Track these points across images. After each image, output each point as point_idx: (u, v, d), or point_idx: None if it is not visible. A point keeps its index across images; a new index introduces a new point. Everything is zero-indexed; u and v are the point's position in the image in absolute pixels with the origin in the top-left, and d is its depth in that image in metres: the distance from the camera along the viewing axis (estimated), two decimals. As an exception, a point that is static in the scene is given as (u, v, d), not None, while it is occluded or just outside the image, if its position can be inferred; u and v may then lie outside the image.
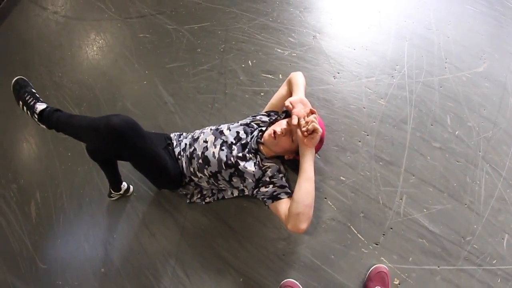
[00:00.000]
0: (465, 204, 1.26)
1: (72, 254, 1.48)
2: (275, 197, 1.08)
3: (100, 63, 2.01)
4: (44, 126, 1.14)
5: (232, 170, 1.14)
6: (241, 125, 1.25)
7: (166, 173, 1.19)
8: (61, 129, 1.12)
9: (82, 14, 2.29)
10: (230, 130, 1.22)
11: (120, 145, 1.01)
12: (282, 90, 1.30)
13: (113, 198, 1.50)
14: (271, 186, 1.10)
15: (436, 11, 1.79)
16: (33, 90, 1.18)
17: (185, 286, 1.27)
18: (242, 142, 1.18)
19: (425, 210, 1.25)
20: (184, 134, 1.40)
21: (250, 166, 1.12)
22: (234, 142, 1.18)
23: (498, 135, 1.41)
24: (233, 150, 1.15)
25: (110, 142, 0.99)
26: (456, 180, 1.31)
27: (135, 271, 1.35)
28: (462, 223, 1.23)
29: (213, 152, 1.16)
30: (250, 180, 1.14)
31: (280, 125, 1.08)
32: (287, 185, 1.13)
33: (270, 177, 1.12)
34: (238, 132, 1.21)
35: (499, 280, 1.15)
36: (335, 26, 1.74)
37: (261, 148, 1.17)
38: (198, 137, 1.26)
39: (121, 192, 1.46)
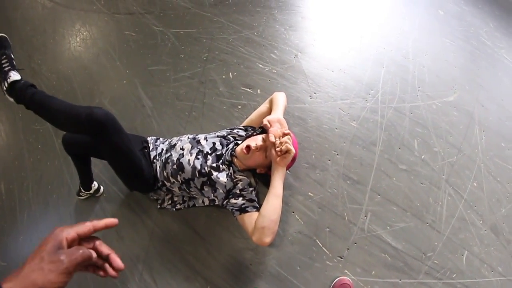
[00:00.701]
0: (427, 223, 1.51)
1: None
2: (243, 210, 1.28)
3: (81, 56, 2.17)
4: (11, 99, 1.15)
5: (205, 179, 1.32)
6: (218, 136, 1.44)
7: (141, 173, 1.35)
8: (34, 107, 1.15)
9: (71, 2, 2.45)
10: (207, 140, 1.41)
11: (99, 137, 1.15)
12: (263, 107, 1.52)
13: (82, 197, 1.63)
14: (240, 198, 1.30)
15: (415, 41, 2.12)
16: (12, 56, 1.17)
17: (152, 293, 1.42)
18: (217, 153, 1.37)
19: (388, 227, 1.49)
20: (161, 139, 1.56)
21: (222, 177, 1.31)
22: (209, 152, 1.37)
23: (462, 161, 1.69)
24: (208, 160, 1.34)
25: (90, 132, 1.13)
26: (420, 200, 1.56)
27: (101, 275, 1.48)
28: (424, 240, 1.47)
29: (189, 160, 1.35)
30: (221, 191, 1.33)
31: (256, 140, 1.29)
32: (256, 199, 1.33)
33: (241, 190, 1.32)
34: (214, 143, 1.40)
35: (458, 293, 1.39)
36: (317, 47, 2.01)
37: (235, 160, 1.37)
38: (175, 144, 1.44)
39: (91, 192, 1.59)
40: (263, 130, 1.45)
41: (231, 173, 1.34)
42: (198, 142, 1.41)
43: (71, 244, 0.47)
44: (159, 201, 1.53)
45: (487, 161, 1.73)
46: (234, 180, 1.34)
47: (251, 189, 1.34)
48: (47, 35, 2.32)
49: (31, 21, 2.41)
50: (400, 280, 1.39)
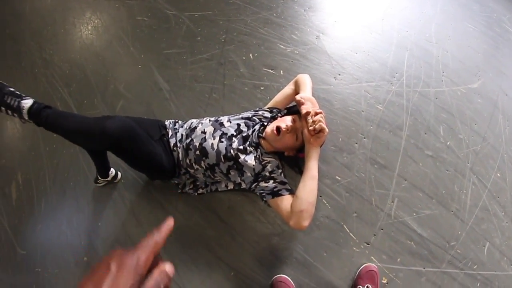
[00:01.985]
0: (452, 211, 1.50)
1: (53, 240, 1.57)
2: (275, 193, 1.22)
3: (94, 43, 2.13)
4: (33, 123, 1.17)
5: (231, 163, 1.27)
6: (242, 118, 1.39)
7: (161, 169, 1.32)
8: (50, 129, 1.15)
9: None
10: (230, 122, 1.36)
11: (116, 150, 1.17)
12: (288, 89, 1.46)
13: (99, 184, 1.59)
14: (271, 181, 1.25)
15: (438, 25, 2.09)
16: (11, 89, 1.19)
17: (173, 279, 1.38)
18: (243, 135, 1.32)
19: (414, 214, 1.47)
20: (180, 122, 1.50)
21: (250, 160, 1.26)
22: (234, 134, 1.31)
23: (486, 150, 1.68)
24: (233, 142, 1.29)
25: (106, 148, 1.15)
26: (445, 187, 1.54)
27: (120, 261, 1.46)
28: (448, 229, 1.46)
29: (212, 144, 1.29)
30: (249, 174, 1.28)
31: (285, 122, 1.23)
32: (287, 181, 1.28)
33: (270, 172, 1.27)
34: (239, 125, 1.35)
35: (478, 284, 1.38)
36: (338, 28, 1.97)
37: (262, 142, 1.33)
38: (195, 127, 1.38)
39: (108, 179, 1.56)
40: (289, 111, 1.41)
41: (259, 155, 1.29)
42: (221, 124, 1.36)
43: None
44: (180, 186, 1.49)
45: (511, 151, 1.71)
46: (263, 163, 1.29)
47: (280, 171, 1.30)
48: (57, 25, 2.28)
49: (40, 12, 2.37)
50: (424, 268, 1.38)
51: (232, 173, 1.30)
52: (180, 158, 1.38)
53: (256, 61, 1.86)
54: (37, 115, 1.13)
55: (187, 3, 2.17)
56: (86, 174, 1.68)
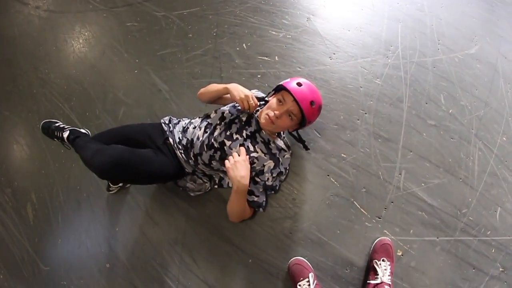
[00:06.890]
0: (460, 179, 1.54)
1: (75, 252, 1.65)
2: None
3: (87, 56, 2.18)
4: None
5: (212, 151, 1.32)
6: (227, 106, 1.44)
7: (167, 177, 1.39)
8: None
9: (65, 7, 2.44)
10: (216, 112, 1.41)
11: (112, 180, 1.46)
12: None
13: (112, 192, 1.66)
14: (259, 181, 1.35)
15: (429, -7, 2.12)
16: (57, 125, 1.66)
17: (194, 272, 1.46)
18: (226, 121, 1.36)
19: (423, 184, 1.52)
20: (174, 120, 1.55)
21: (235, 148, 1.30)
22: (218, 123, 1.36)
23: (490, 114, 1.71)
24: (216, 130, 1.34)
25: (103, 178, 1.26)
26: (451, 156, 1.58)
27: (141, 262, 1.53)
28: (458, 197, 1.50)
29: (198, 135, 1.35)
30: None
31: (273, 107, 1.26)
32: (275, 185, 1.39)
33: (257, 174, 1.35)
34: (223, 112, 1.39)
35: (493, 250, 1.43)
36: (328, 8, 2.00)
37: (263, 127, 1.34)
38: (188, 127, 1.45)
39: (120, 185, 1.62)
40: (276, 90, 1.39)
41: (248, 145, 1.33)
42: (208, 116, 1.43)
43: None
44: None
45: (515, 115, 1.74)
46: (251, 154, 1.32)
47: (272, 175, 1.36)
48: (48, 44, 2.32)
49: (30, 34, 2.41)
50: (437, 238, 1.43)
51: (213, 163, 1.35)
52: (185, 158, 1.41)
53: (250, 51, 1.91)
54: (71, 144, 1.51)
55: (175, 2, 2.20)
56: (98, 184, 1.74)
